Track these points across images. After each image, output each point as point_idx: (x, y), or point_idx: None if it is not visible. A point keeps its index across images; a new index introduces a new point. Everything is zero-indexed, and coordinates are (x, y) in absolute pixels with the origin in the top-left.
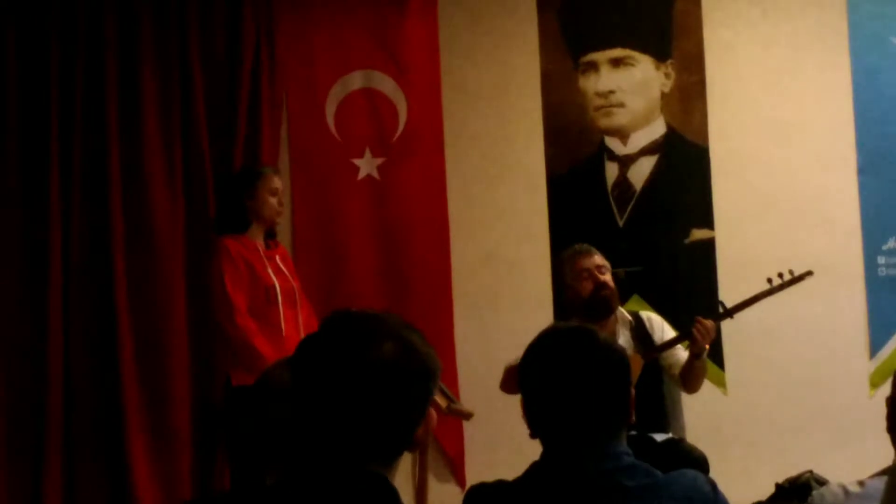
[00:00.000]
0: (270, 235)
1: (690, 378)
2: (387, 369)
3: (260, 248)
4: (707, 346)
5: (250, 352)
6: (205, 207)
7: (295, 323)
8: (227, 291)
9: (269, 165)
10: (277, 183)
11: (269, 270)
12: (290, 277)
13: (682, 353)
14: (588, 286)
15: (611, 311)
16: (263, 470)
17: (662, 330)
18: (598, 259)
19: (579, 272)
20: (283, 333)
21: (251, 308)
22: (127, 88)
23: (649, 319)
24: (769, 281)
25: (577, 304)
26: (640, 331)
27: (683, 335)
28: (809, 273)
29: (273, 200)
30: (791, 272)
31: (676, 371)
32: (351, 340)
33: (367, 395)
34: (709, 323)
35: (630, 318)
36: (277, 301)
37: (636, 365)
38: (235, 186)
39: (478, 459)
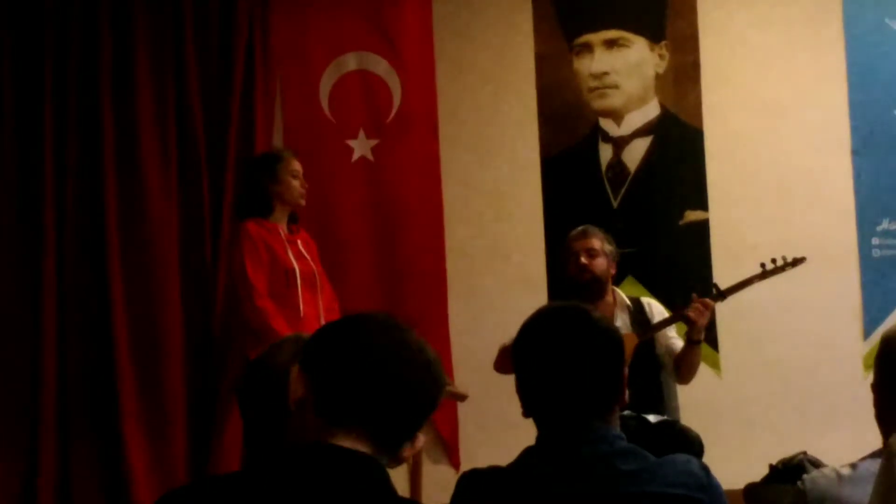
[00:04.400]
0: (293, 220)
1: (684, 366)
2: (408, 361)
3: (282, 232)
4: (703, 331)
5: (269, 333)
6: (199, 191)
7: (315, 307)
8: (248, 273)
9: (288, 149)
10: (298, 165)
11: (290, 254)
12: (311, 262)
13: (677, 340)
14: (572, 269)
15: (592, 295)
16: (277, 447)
17: (662, 316)
18: (591, 242)
19: (567, 254)
20: (302, 315)
21: (271, 291)
22: (121, 72)
23: (649, 305)
24: (762, 265)
25: (565, 283)
26: (638, 316)
27: (679, 314)
28: (803, 259)
29: (296, 183)
30: (784, 258)
31: (670, 359)
32: (371, 329)
33: (382, 384)
34: (706, 301)
35: (629, 302)
36: (297, 284)
37: (629, 343)
38: (257, 171)
39: (472, 441)
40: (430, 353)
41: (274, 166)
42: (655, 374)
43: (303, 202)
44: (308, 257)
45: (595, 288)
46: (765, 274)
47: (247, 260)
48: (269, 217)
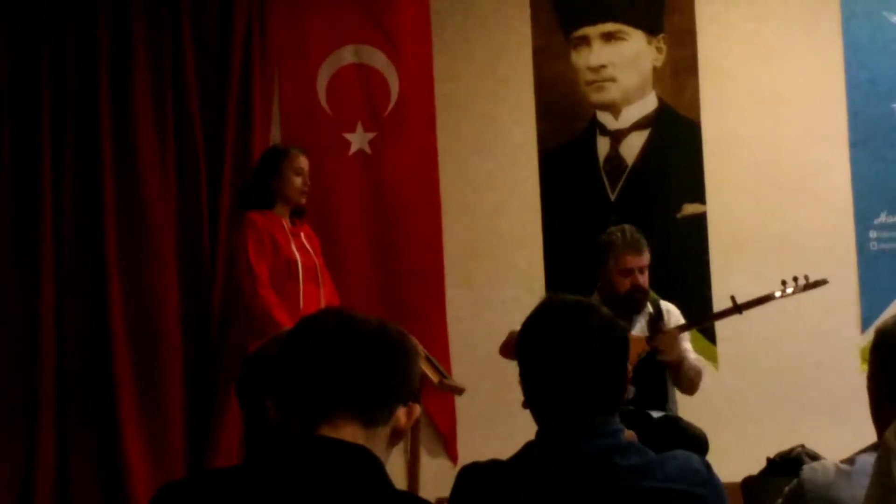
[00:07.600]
0: (297, 214)
1: (674, 380)
2: (376, 341)
3: (285, 225)
4: (672, 356)
5: (270, 322)
6: (197, 186)
7: (316, 299)
8: (251, 262)
9: (296, 146)
10: (303, 162)
11: (293, 246)
12: (313, 255)
13: (689, 352)
14: (626, 285)
15: (639, 311)
16: (277, 438)
17: (678, 324)
18: (644, 259)
19: (623, 269)
20: (301, 308)
21: (272, 281)
22: (119, 67)
23: (668, 312)
24: (783, 282)
25: (608, 293)
26: (657, 322)
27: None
28: (825, 281)
29: (297, 180)
30: (806, 277)
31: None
32: (344, 317)
33: (356, 366)
34: (668, 334)
35: (650, 307)
36: (298, 276)
37: (637, 347)
38: (262, 164)
39: (470, 435)
40: (373, 324)
41: (277, 162)
42: (662, 372)
43: (303, 200)
44: (310, 250)
45: (642, 306)
46: (785, 292)
47: (250, 249)
48: (271, 209)
